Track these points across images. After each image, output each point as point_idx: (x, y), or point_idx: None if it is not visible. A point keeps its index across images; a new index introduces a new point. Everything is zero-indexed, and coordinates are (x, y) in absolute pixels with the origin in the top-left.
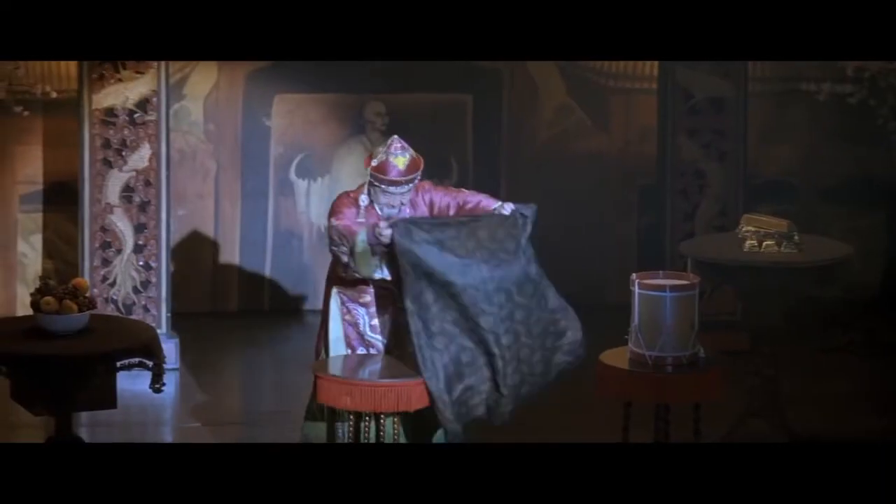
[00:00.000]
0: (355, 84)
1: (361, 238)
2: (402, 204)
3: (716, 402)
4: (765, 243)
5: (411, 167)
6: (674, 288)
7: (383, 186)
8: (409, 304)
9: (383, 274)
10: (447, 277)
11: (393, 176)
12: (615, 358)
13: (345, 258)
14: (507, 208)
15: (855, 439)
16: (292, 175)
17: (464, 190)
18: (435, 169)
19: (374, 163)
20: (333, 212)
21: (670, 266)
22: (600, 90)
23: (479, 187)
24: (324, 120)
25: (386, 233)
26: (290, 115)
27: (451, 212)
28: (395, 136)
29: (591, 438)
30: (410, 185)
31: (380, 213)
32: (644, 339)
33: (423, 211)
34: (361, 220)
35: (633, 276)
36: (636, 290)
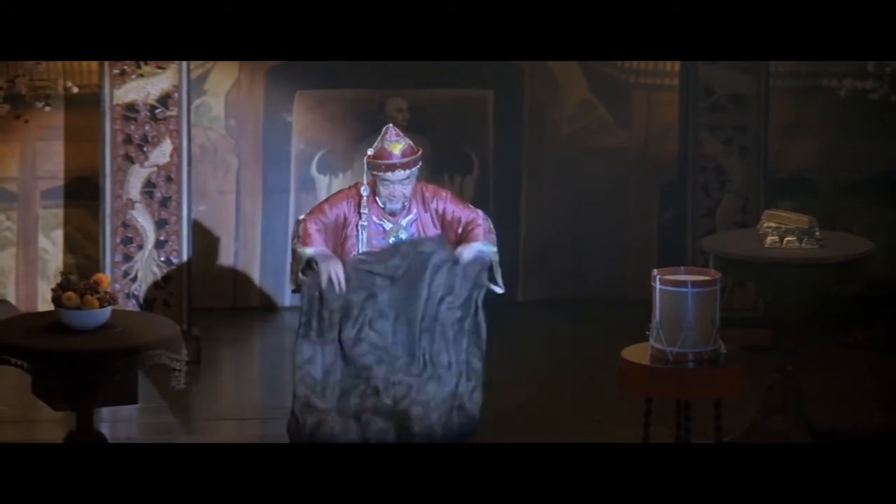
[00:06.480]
0: (377, 80)
1: (307, 251)
2: (403, 196)
3: (737, 398)
4: (786, 239)
5: (408, 152)
6: (695, 284)
7: (381, 174)
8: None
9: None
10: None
11: (391, 160)
12: (636, 354)
13: (291, 244)
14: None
15: (877, 436)
16: (313, 171)
17: (478, 213)
18: (456, 164)
19: (370, 151)
20: (318, 204)
21: (691, 262)
22: (621, 86)
23: (501, 183)
24: (345, 116)
25: (335, 274)
26: (312, 111)
27: (459, 228)
28: (390, 125)
29: (612, 435)
30: (409, 171)
31: (382, 206)
32: (665, 335)
33: (432, 219)
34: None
35: (655, 272)
36: (657, 286)
